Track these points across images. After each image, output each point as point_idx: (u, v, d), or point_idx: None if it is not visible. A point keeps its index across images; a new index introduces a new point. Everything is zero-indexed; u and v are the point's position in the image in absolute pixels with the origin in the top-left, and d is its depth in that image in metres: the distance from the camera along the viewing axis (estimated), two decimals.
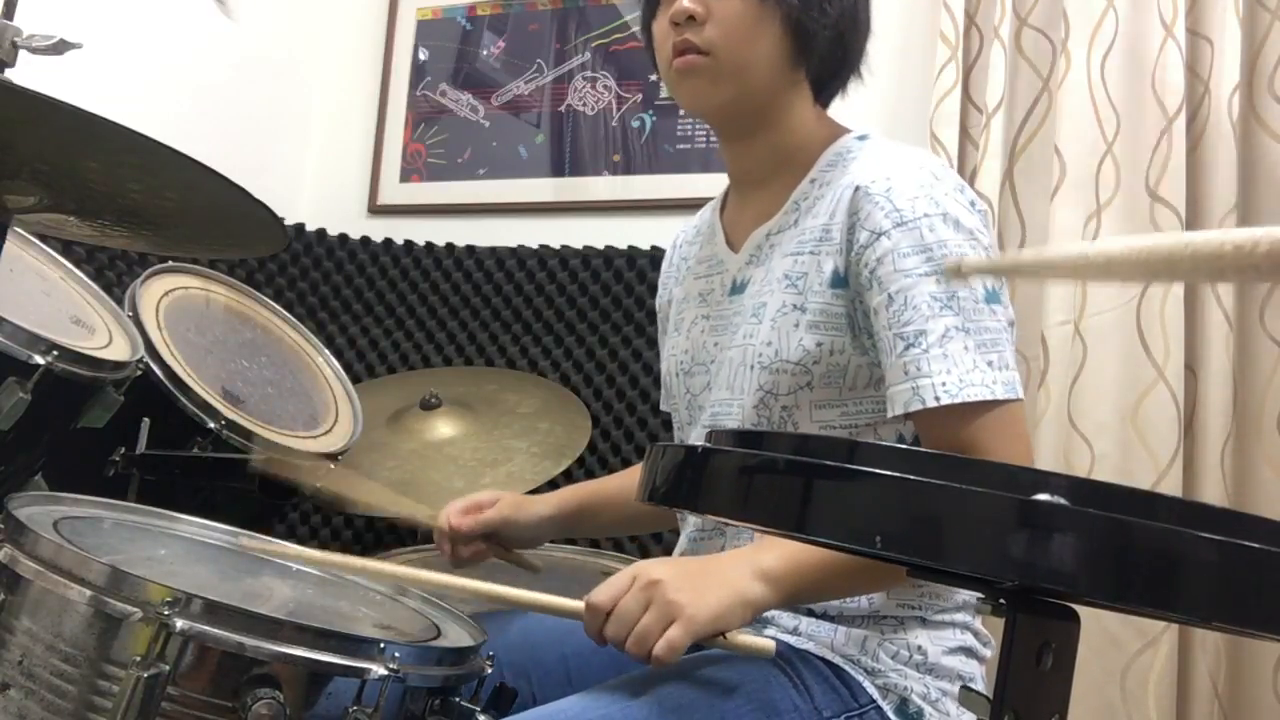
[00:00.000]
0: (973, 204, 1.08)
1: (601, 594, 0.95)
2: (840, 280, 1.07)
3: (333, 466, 1.71)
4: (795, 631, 1.08)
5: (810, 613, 1.09)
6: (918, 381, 1.00)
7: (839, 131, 1.19)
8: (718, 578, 0.96)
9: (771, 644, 0.94)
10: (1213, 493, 1.69)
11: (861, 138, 1.18)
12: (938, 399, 0.99)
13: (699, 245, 1.31)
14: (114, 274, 1.98)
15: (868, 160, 1.12)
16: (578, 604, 0.97)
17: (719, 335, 1.20)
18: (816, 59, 1.15)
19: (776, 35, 1.12)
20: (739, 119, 1.17)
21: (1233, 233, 0.47)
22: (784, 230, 1.15)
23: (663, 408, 1.34)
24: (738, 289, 1.19)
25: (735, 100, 1.14)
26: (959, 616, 1.10)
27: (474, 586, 1.05)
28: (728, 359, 1.16)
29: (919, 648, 1.06)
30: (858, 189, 1.07)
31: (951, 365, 0.99)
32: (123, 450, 1.40)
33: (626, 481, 1.40)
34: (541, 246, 2.29)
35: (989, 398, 0.99)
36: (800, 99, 1.17)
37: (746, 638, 0.94)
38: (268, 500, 1.51)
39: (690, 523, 1.21)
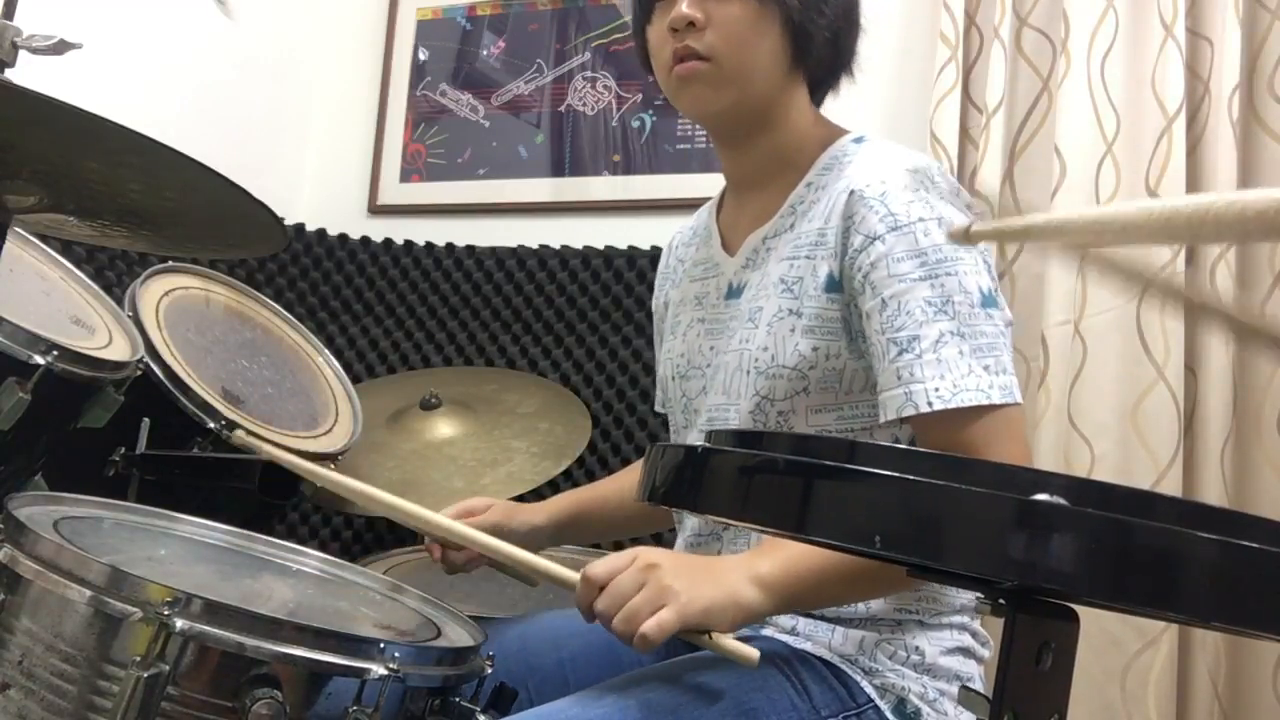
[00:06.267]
0: (969, 208, 1.08)
1: (599, 567, 0.95)
2: (835, 284, 1.07)
3: (333, 467, 1.71)
4: (793, 632, 1.08)
5: (808, 614, 1.09)
6: (910, 387, 0.99)
7: (836, 133, 1.19)
8: (714, 576, 0.96)
9: (755, 653, 0.93)
10: (1213, 493, 1.68)
11: (858, 140, 1.17)
12: (930, 404, 0.98)
13: (695, 248, 1.30)
14: (114, 274, 1.98)
15: (863, 163, 1.11)
16: (573, 575, 0.98)
17: (715, 339, 1.20)
18: (814, 60, 1.15)
19: (776, 38, 1.12)
20: (740, 124, 1.16)
21: (1253, 194, 0.46)
22: (780, 234, 1.15)
23: (657, 409, 1.34)
24: (734, 293, 1.19)
25: (737, 105, 1.13)
26: (957, 619, 1.10)
27: (483, 539, 1.09)
28: (724, 364, 1.16)
29: (917, 648, 1.06)
30: (852, 193, 1.06)
31: (945, 370, 0.99)
32: (123, 450, 1.40)
33: (619, 486, 1.40)
34: (541, 246, 2.29)
35: (984, 402, 0.98)
36: (798, 100, 1.17)
37: (732, 642, 0.94)
38: (268, 500, 1.51)
39: (687, 529, 1.21)
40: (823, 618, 1.08)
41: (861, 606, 1.07)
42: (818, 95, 1.19)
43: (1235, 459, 1.72)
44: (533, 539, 1.33)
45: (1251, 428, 1.72)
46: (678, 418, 1.26)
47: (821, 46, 1.14)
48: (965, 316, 1.01)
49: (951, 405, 0.98)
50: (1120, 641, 1.69)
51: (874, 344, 1.03)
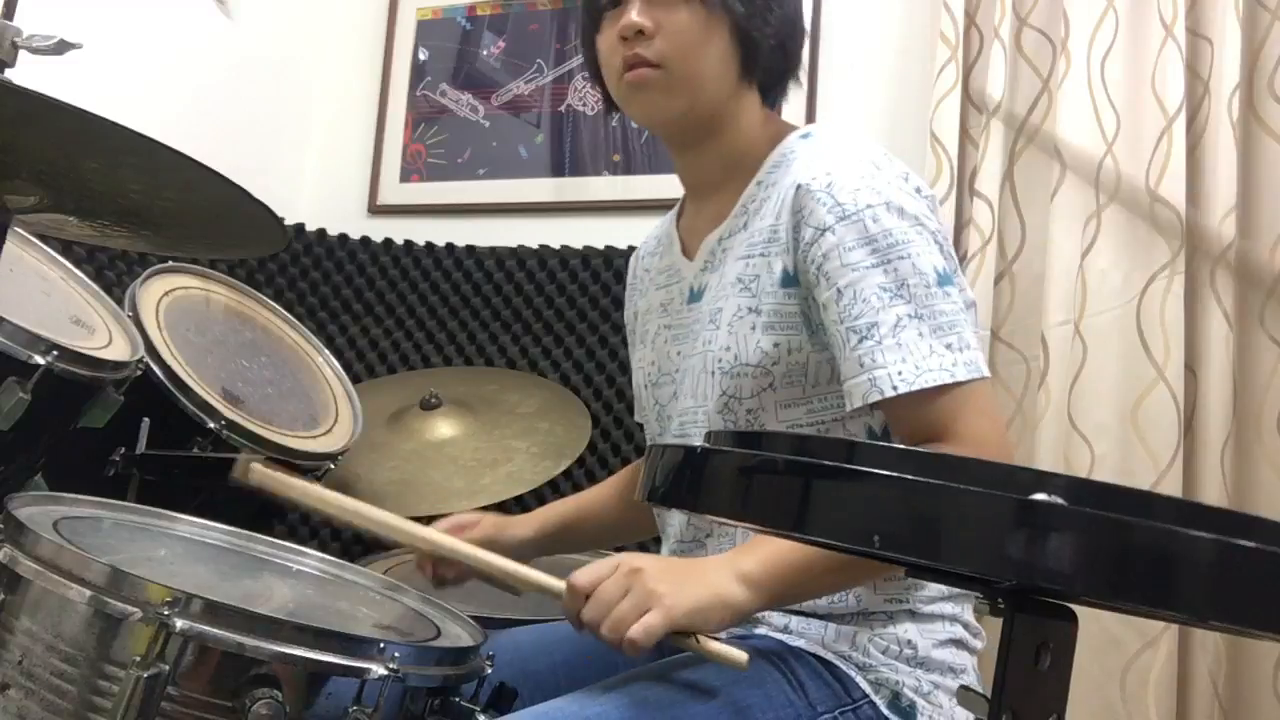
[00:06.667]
0: (918, 190, 1.08)
1: (583, 576, 0.95)
2: (790, 279, 1.08)
3: (332, 467, 1.71)
4: (786, 629, 1.09)
5: (800, 611, 1.09)
6: (874, 373, 1.00)
7: (785, 131, 1.20)
8: (699, 576, 0.96)
9: (745, 656, 0.93)
10: (1213, 493, 1.69)
11: (804, 136, 1.18)
12: (895, 389, 0.98)
13: (659, 256, 1.32)
14: (114, 274, 1.98)
15: (809, 158, 1.12)
16: (560, 584, 0.98)
17: (681, 344, 1.20)
18: (762, 67, 1.16)
19: (725, 45, 1.13)
20: (692, 129, 1.18)
21: None
22: (734, 234, 1.16)
23: (636, 419, 1.35)
24: (695, 296, 1.20)
25: (688, 111, 1.15)
26: (947, 607, 1.10)
27: (469, 551, 1.09)
28: (690, 367, 1.17)
29: (909, 641, 1.07)
30: (799, 187, 1.07)
31: (906, 354, 0.99)
32: (123, 450, 1.40)
33: (605, 494, 1.40)
34: (541, 246, 2.29)
35: (949, 381, 0.99)
36: (748, 104, 1.18)
37: (721, 646, 0.94)
38: (268, 500, 1.51)
39: (671, 537, 1.21)
40: (814, 614, 1.08)
41: (852, 600, 1.07)
42: (769, 98, 1.21)
43: (1235, 459, 1.72)
44: (522, 551, 1.34)
45: (1251, 428, 1.72)
46: (652, 425, 1.26)
47: (768, 54, 1.16)
48: (922, 298, 1.01)
49: (916, 387, 0.98)
50: (1120, 641, 1.69)
51: (833, 334, 1.04)
